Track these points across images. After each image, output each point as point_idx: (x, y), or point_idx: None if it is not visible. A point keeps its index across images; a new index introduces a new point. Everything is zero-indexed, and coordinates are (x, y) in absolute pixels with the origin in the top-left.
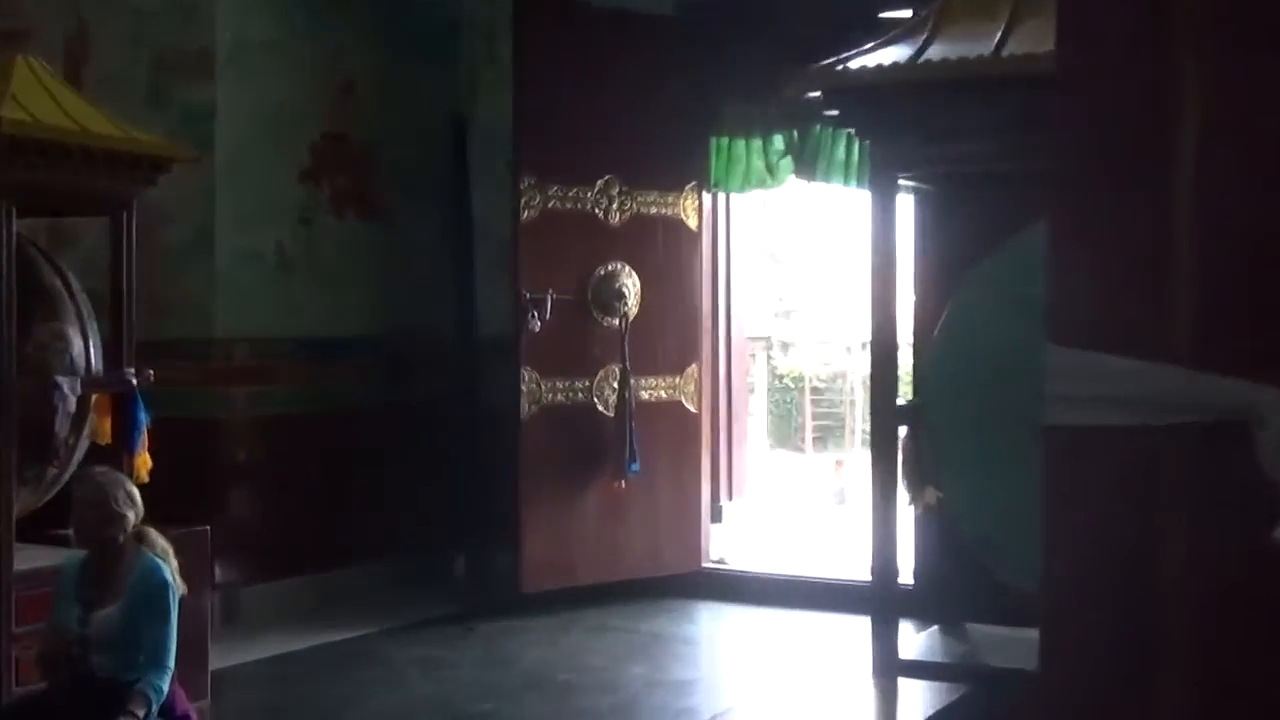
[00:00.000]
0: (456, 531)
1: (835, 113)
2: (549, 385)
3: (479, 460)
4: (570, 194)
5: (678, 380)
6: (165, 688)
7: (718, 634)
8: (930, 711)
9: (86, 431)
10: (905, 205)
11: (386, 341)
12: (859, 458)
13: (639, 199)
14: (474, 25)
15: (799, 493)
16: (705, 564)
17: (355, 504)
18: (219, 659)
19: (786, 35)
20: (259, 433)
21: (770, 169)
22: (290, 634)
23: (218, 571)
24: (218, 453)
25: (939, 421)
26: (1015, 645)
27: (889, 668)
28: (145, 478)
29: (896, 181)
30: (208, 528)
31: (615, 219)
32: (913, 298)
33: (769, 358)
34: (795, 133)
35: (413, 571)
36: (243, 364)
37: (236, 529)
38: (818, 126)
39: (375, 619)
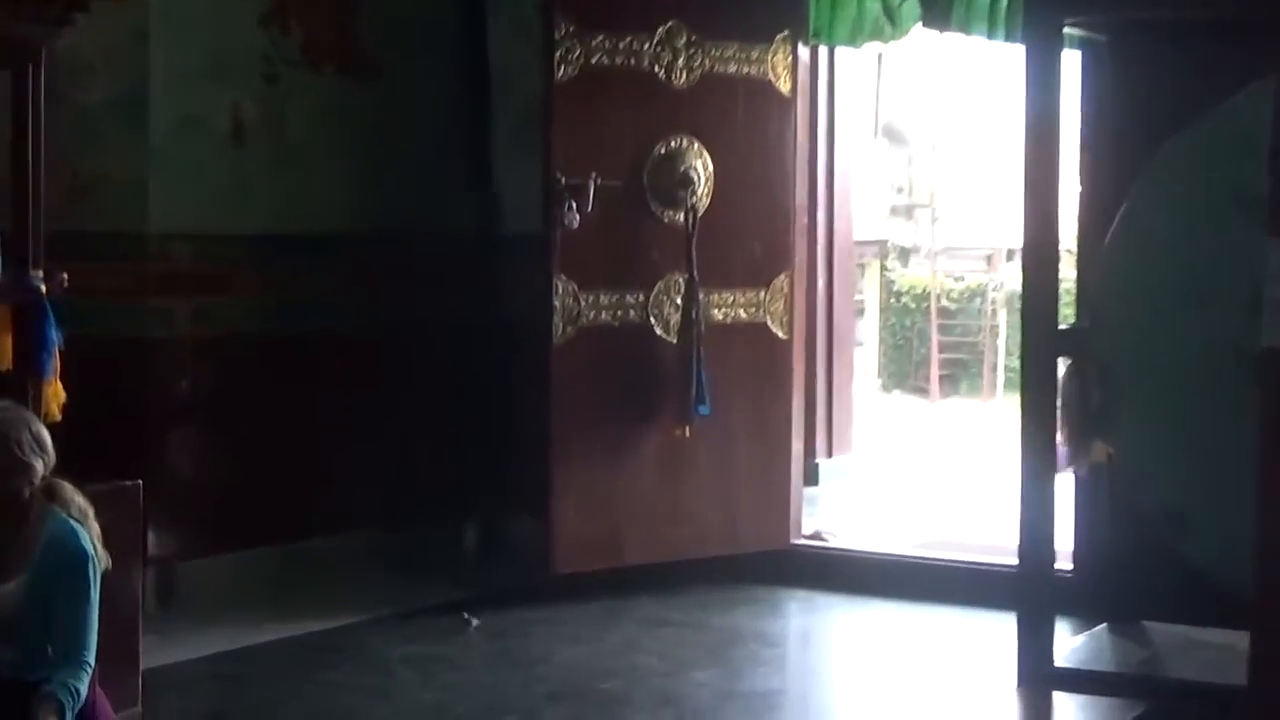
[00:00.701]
0: (467, 493)
1: None
2: (591, 301)
3: (497, 400)
4: (621, 46)
5: (762, 296)
6: (83, 690)
7: (811, 632)
8: None
9: None
10: (1071, 63)
11: (375, 241)
12: (1001, 404)
13: (713, 54)
14: None
15: (922, 448)
16: (796, 540)
17: (333, 455)
18: (153, 654)
19: None
20: (206, 359)
21: (889, 14)
22: (246, 623)
23: (152, 540)
24: (153, 384)
25: (1114, 353)
26: (1211, 652)
27: (1040, 678)
28: (57, 415)
29: (1060, 30)
30: (139, 483)
31: (681, 80)
32: (1079, 188)
33: (883, 269)
34: None
35: (408, 545)
36: (185, 268)
37: (177, 485)
38: None
39: (358, 605)
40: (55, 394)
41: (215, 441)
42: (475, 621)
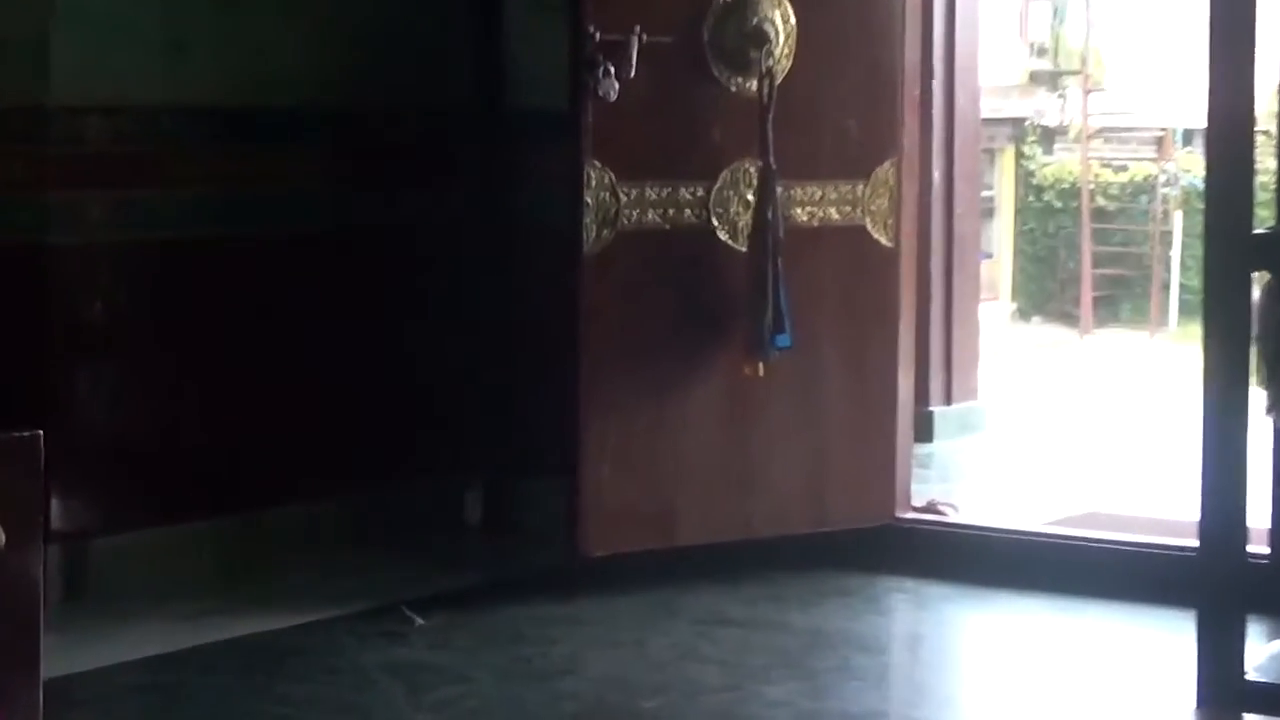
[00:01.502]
0: (470, 449)
1: None
2: (634, 196)
3: (510, 328)
4: None
5: (859, 191)
6: None
7: (921, 635)
8: None
9: None
10: None
11: (352, 119)
12: (1175, 336)
13: None
14: None
15: (1069, 394)
16: (903, 514)
17: (294, 399)
18: (58, 660)
19: None
20: (129, 271)
21: None
22: (181, 620)
23: (57, 510)
24: (57, 305)
25: None
26: None
27: (1227, 696)
28: None
29: None
30: (39, 434)
31: None
32: None
33: (1020, 156)
34: None
35: (393, 517)
36: (99, 150)
37: (90, 437)
38: None
39: (327, 597)
40: None
41: (141, 380)
42: (419, 620)
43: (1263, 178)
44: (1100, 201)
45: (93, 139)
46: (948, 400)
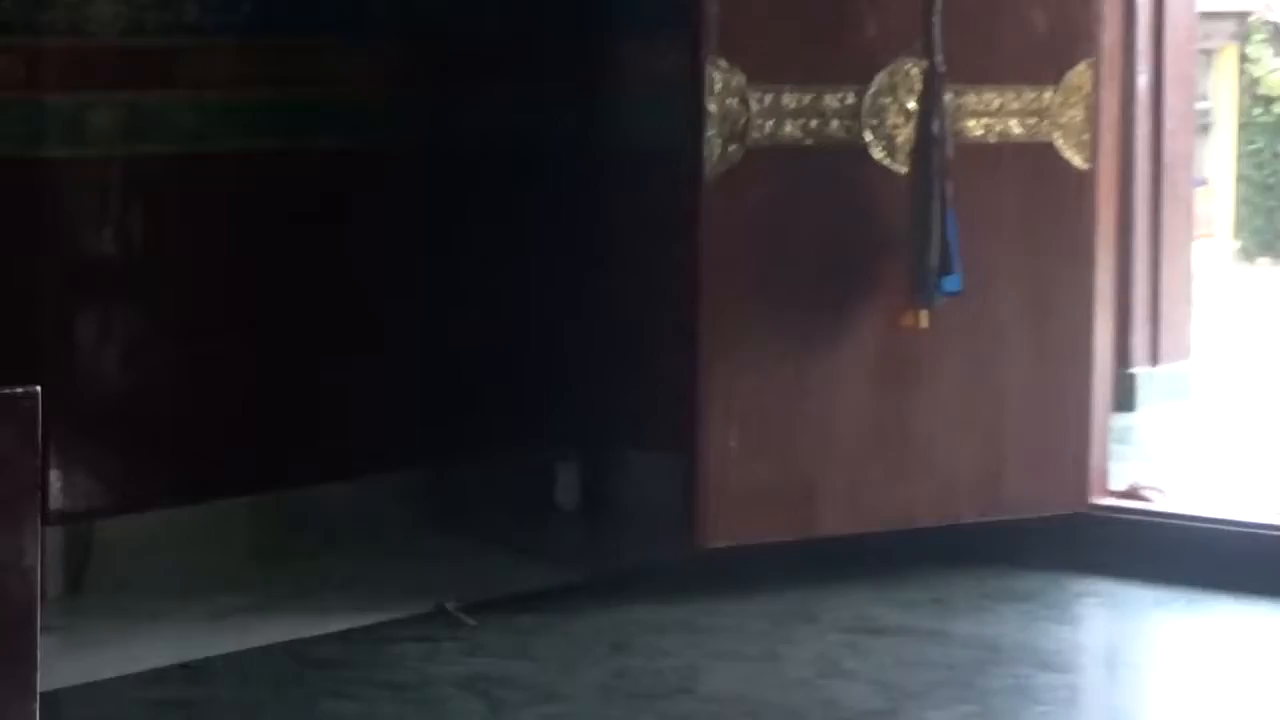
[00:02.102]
0: (562, 417)
1: None
2: (767, 104)
3: (611, 269)
4: None
5: (1047, 99)
6: None
7: (1120, 648)
8: None
9: None
10: None
11: (409, 8)
12: None
13: None
14: None
15: None
16: (1098, 500)
17: (347, 355)
18: (57, 669)
19: None
20: (143, 192)
21: None
22: (204, 620)
23: (57, 485)
24: (56, 232)
25: None
26: None
27: None
28: None
29: None
30: (35, 390)
31: None
32: None
33: (1244, 58)
34: None
35: (465, 498)
36: (107, 45)
37: (96, 399)
38: None
39: (385, 595)
40: None
41: (160, 327)
42: (470, 621)
43: None
44: None
45: (96, 31)
46: (1153, 360)
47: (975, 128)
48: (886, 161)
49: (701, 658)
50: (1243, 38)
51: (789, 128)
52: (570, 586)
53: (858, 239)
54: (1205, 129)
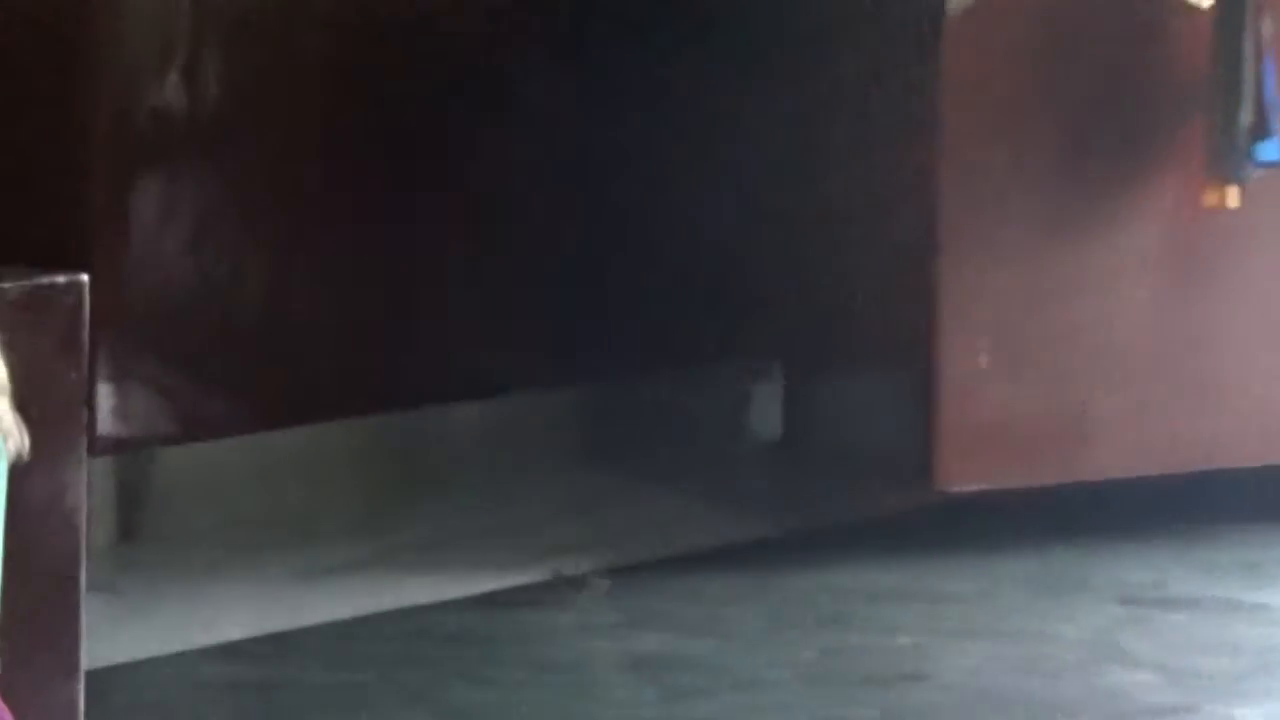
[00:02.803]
0: (760, 325)
1: None
2: None
3: (819, 140)
4: None
5: None
6: None
7: None
8: None
9: None
10: None
11: None
12: None
13: None
14: None
15: None
16: None
17: (485, 242)
18: (108, 642)
19: None
20: (224, 28)
21: None
22: (289, 579)
23: (106, 405)
24: (106, 87)
25: None
26: None
27: None
28: None
29: None
30: (82, 280)
31: None
32: None
33: None
34: None
35: (637, 425)
36: None
37: (155, 293)
38: None
39: (530, 549)
40: None
41: (240, 206)
42: (604, 583)
43: None
44: None
45: None
46: None
47: None
48: None
49: (938, 634)
50: None
51: None
52: (767, 541)
53: (1143, 93)
54: None
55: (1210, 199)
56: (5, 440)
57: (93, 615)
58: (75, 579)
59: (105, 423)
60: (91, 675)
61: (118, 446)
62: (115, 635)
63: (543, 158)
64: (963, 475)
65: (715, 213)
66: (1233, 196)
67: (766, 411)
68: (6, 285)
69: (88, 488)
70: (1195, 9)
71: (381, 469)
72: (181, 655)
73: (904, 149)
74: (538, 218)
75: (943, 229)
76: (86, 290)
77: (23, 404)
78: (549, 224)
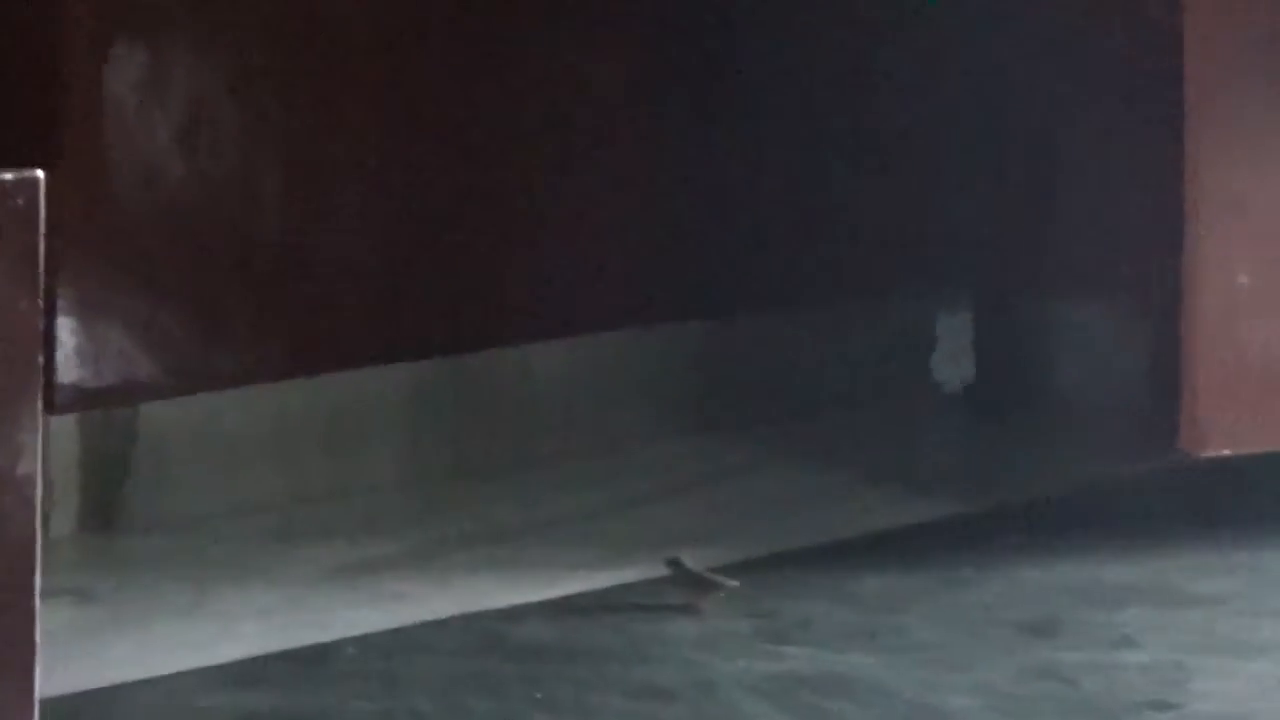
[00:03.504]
0: (945, 246)
1: None
2: None
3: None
4: None
5: None
6: None
7: None
8: None
9: None
10: None
11: None
12: None
13: None
14: None
15: None
16: None
17: (574, 146)
18: (70, 658)
19: None
20: None
21: None
22: (313, 578)
23: (70, 347)
24: None
25: None
26: None
27: None
28: None
29: None
30: (36, 177)
31: None
32: None
33: None
34: None
35: (780, 366)
36: None
37: (143, 201)
38: None
39: (631, 538)
40: None
41: (249, 88)
42: (730, 584)
43: None
44: None
45: None
46: None
47: None
48: None
49: (1183, 648)
50: None
51: None
52: (952, 522)
53: None
54: None
55: None
56: None
57: (52, 623)
58: (29, 576)
59: (69, 369)
60: (52, 705)
61: (86, 401)
62: (85, 652)
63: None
64: (1215, 436)
65: (890, 120)
66: None
67: (955, 352)
68: None
69: (45, 454)
70: None
71: (436, 433)
72: (173, 679)
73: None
74: (647, 116)
75: (1193, 118)
76: (41, 191)
77: None
78: (655, 127)
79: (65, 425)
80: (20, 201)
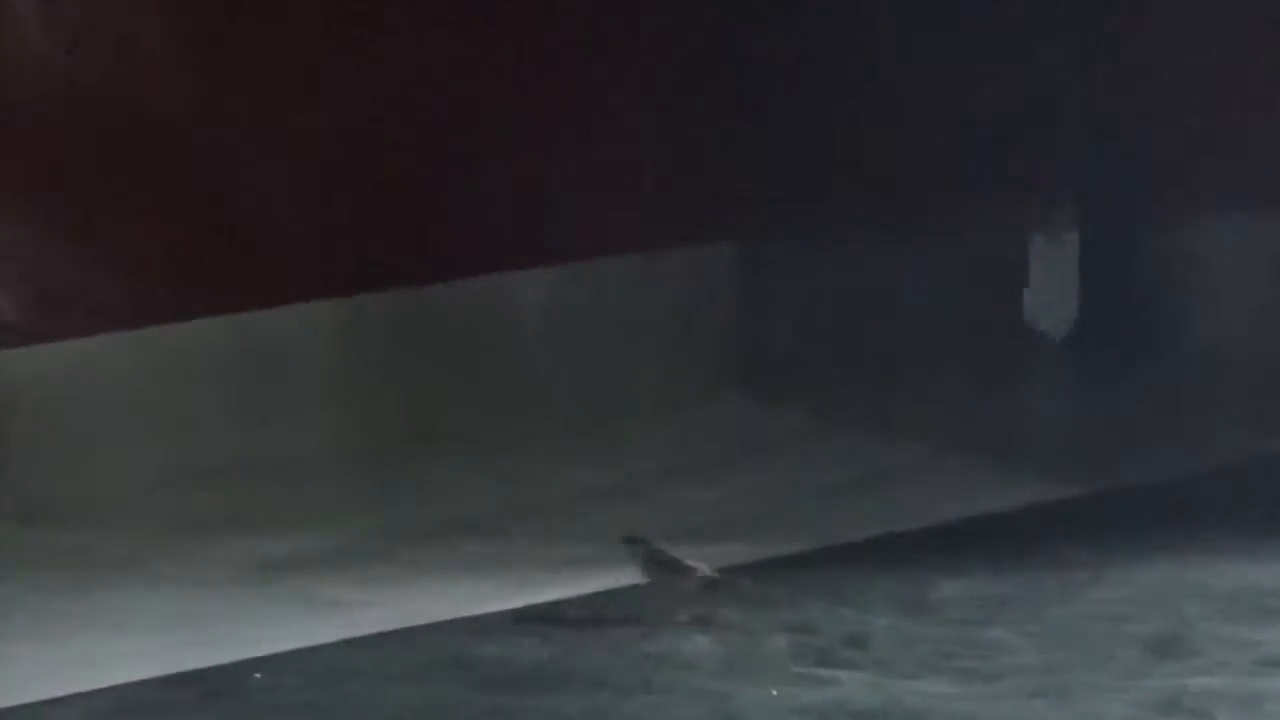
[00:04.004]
0: (1034, 135)
1: None
2: None
3: None
4: None
5: None
6: None
7: None
8: None
9: None
10: None
11: None
12: None
13: None
14: None
15: None
16: None
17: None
18: None
19: None
20: None
21: None
22: (233, 580)
23: None
24: None
25: None
26: None
27: None
28: None
29: None
30: None
31: None
32: None
33: None
34: None
35: (815, 311)
36: None
37: (32, 91)
38: None
39: (633, 522)
40: None
41: None
42: (707, 570)
43: None
44: None
45: None
46: None
47: None
48: None
49: None
50: None
51: None
52: (1056, 509)
53: None
54: None
55: None
56: None
57: None
58: None
59: None
60: None
61: None
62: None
63: None
64: None
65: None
66: None
67: (1051, 290)
68: None
69: None
70: None
71: (385, 390)
72: (53, 705)
73: None
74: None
75: None
76: None
77: None
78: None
79: None
80: None
